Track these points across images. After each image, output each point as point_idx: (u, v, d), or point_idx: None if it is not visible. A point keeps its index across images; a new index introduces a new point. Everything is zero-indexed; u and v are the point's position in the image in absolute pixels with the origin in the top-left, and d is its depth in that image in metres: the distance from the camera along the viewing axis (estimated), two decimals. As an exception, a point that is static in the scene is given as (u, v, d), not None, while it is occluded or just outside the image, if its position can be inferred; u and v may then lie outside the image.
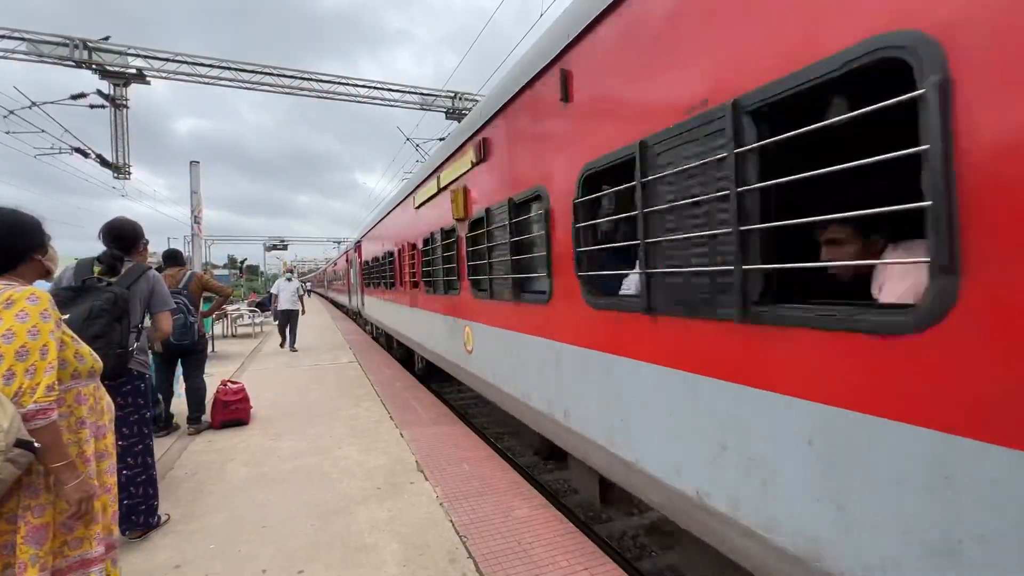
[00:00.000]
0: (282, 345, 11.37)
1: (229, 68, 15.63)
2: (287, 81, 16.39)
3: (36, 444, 1.60)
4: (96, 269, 2.93)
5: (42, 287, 1.89)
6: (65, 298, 2.63)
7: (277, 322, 11.82)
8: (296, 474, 3.92)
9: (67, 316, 2.49)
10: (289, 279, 11.58)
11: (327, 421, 5.39)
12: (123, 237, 3.16)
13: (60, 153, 14.72)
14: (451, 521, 3.08)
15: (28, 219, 1.89)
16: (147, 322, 3.19)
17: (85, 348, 1.92)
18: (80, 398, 1.87)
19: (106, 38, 13.77)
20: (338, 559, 2.70)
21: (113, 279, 2.91)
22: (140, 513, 3.02)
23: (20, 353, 1.62)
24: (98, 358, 1.96)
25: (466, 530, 2.96)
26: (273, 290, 12.12)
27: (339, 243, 57.80)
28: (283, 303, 11.42)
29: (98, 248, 3.09)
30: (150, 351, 3.55)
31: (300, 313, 11.52)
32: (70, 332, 1.88)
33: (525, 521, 3.07)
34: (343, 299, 23.48)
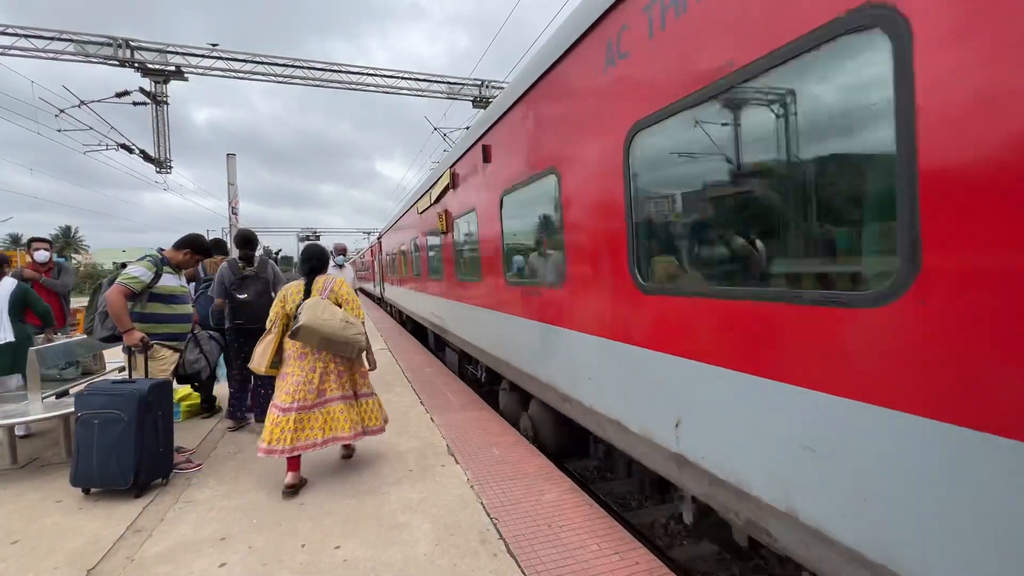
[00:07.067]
0: None
1: (262, 63, 15.99)
2: (316, 74, 16.66)
3: None
4: (240, 265, 4.61)
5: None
6: (238, 282, 4.55)
7: None
8: (331, 455, 4.04)
9: (246, 295, 4.53)
10: (341, 265, 7.34)
11: (360, 405, 5.52)
12: (251, 241, 4.78)
13: (107, 149, 15.41)
14: (481, 503, 3.13)
15: (322, 248, 3.76)
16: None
17: None
18: None
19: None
20: (373, 536, 2.79)
21: (251, 269, 4.63)
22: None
23: (355, 302, 3.59)
24: None
25: (496, 512, 3.01)
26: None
27: (368, 234, 58.45)
28: None
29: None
30: (222, 331, 4.77)
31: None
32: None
33: (555, 505, 3.08)
34: None
